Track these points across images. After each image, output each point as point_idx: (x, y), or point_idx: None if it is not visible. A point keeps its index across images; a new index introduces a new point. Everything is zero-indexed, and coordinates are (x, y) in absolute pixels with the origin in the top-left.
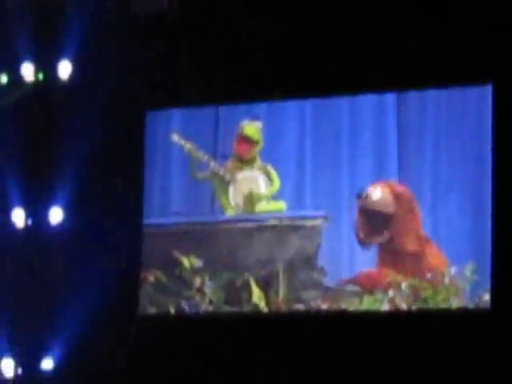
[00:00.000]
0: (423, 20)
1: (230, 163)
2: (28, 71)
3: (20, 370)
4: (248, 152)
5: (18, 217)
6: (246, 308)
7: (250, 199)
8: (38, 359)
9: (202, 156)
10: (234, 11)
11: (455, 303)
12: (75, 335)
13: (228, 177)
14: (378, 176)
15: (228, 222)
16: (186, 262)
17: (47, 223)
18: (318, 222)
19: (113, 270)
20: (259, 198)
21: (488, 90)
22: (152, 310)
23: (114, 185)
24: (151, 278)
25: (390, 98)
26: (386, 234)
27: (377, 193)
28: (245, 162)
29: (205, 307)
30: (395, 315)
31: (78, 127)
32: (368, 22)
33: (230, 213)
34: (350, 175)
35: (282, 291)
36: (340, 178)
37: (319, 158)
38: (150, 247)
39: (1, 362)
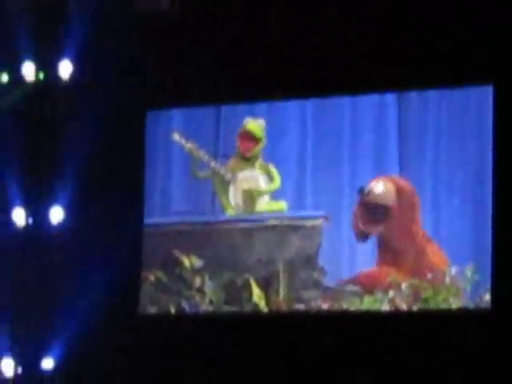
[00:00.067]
0: (424, 20)
1: (231, 161)
2: (29, 71)
3: (20, 370)
4: (251, 149)
5: (19, 216)
6: (247, 308)
7: (250, 195)
8: (38, 359)
9: (203, 156)
10: (235, 11)
11: (456, 303)
12: (75, 335)
13: (228, 176)
14: (379, 176)
15: (228, 221)
16: (186, 261)
17: (48, 223)
18: (319, 221)
19: (113, 269)
20: (259, 194)
21: (489, 91)
22: (152, 310)
23: (114, 184)
24: (151, 278)
25: (390, 98)
26: (386, 225)
27: (379, 186)
28: (247, 159)
29: (205, 307)
30: (396, 315)
31: (79, 127)
32: (369, 23)
33: (230, 213)
34: (350, 175)
35: (282, 291)
36: (341, 178)
37: (320, 158)
38: (151, 247)
39: (1, 362)
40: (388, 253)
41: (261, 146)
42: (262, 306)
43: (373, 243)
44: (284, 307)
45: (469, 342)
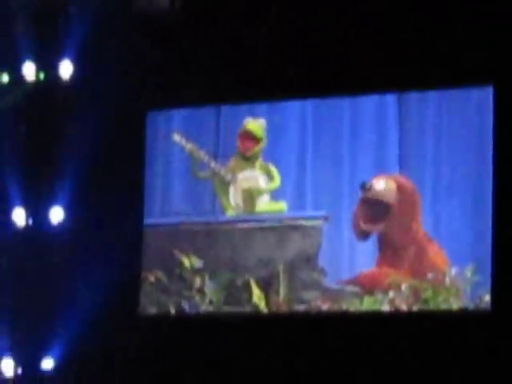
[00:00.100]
0: (424, 21)
1: (231, 161)
2: (29, 71)
3: (20, 370)
4: (251, 149)
5: (19, 216)
6: (247, 308)
7: (250, 195)
8: (38, 359)
9: (203, 156)
10: (235, 11)
11: (456, 304)
12: (75, 335)
13: (229, 177)
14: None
15: (228, 222)
16: (186, 262)
17: (48, 223)
18: (319, 222)
19: (113, 269)
20: (259, 193)
21: (489, 91)
22: (152, 310)
23: (114, 184)
24: (152, 278)
25: (391, 98)
26: (386, 223)
27: (380, 184)
28: (247, 159)
29: (205, 307)
30: (396, 316)
31: (79, 127)
32: (369, 23)
33: (231, 213)
34: (350, 175)
35: (282, 291)
36: (341, 178)
37: (320, 158)
38: (151, 247)
39: (1, 362)
40: (388, 252)
41: (261, 145)
42: (262, 306)
43: (373, 244)
44: (284, 308)
45: (469, 342)
